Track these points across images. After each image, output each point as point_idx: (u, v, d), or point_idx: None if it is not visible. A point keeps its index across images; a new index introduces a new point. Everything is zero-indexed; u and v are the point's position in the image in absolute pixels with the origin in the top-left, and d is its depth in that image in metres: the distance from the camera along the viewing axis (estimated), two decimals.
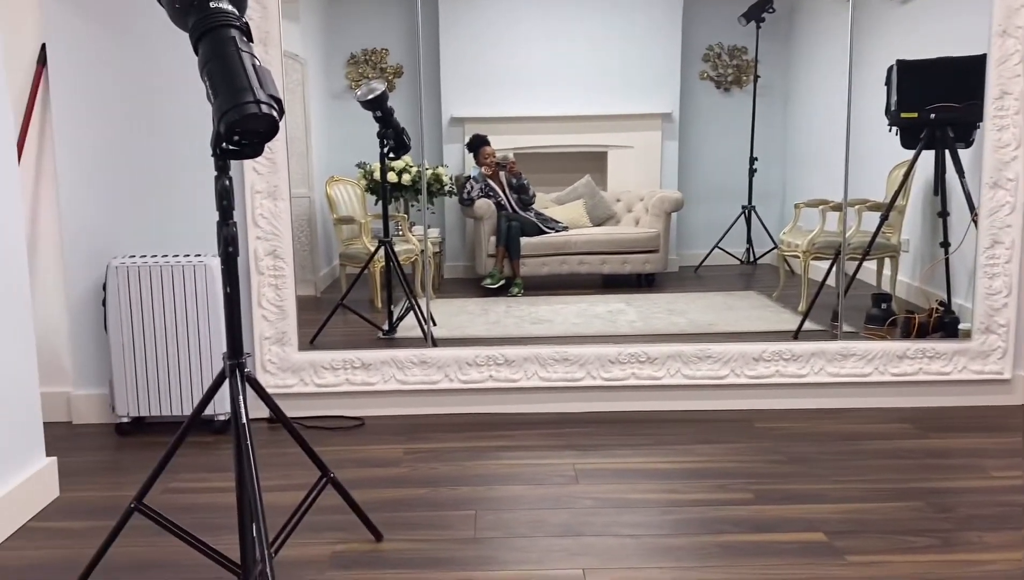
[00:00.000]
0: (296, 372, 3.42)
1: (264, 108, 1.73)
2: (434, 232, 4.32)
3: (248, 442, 1.89)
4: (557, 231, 4.42)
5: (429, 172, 4.19)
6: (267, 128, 1.78)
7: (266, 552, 1.81)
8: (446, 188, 4.33)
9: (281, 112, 1.78)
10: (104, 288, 3.23)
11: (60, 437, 3.27)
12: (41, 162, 3.37)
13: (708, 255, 4.58)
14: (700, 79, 4.49)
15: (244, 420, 1.91)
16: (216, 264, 3.22)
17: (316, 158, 4.19)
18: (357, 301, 4.12)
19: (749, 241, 4.57)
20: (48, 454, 2.73)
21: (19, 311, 2.55)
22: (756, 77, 4.44)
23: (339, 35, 4.28)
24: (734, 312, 4.26)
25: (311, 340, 3.63)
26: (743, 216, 4.55)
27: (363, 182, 4.21)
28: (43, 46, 3.26)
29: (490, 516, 2.49)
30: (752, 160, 4.51)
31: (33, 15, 3.26)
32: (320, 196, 4.16)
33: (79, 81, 3.26)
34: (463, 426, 3.34)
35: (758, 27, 4.38)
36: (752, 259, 4.58)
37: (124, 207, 3.34)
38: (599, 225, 4.51)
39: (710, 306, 4.32)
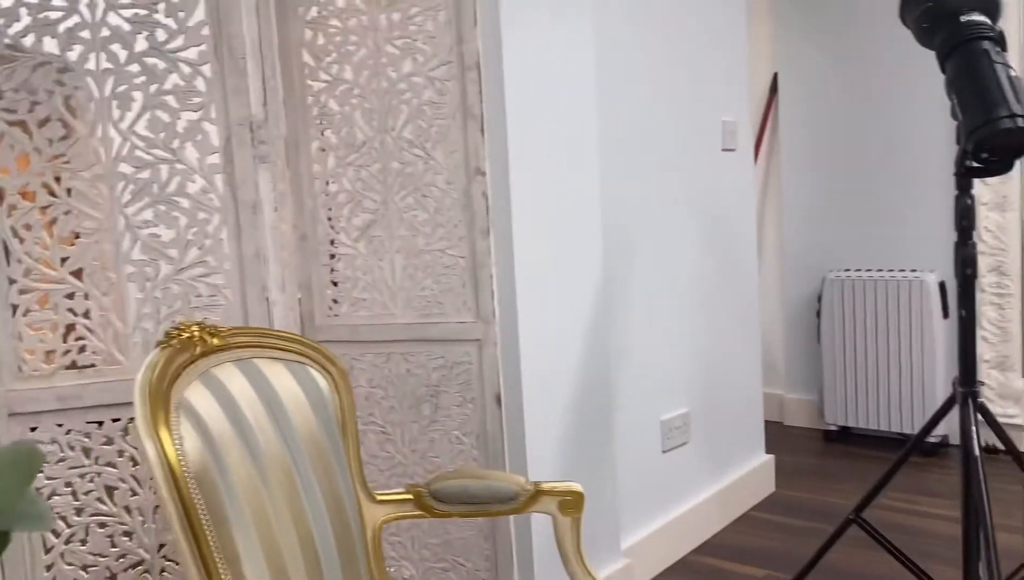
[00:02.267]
0: (1019, 401, 3.08)
1: (1020, 122, 1.59)
2: None
3: (981, 475, 1.77)
4: None
5: None
6: (1020, 143, 1.64)
7: None
8: None
9: None
10: (819, 300, 3.39)
11: (774, 436, 3.55)
12: (768, 182, 3.70)
13: None
14: None
15: (977, 452, 1.80)
16: (932, 280, 3.10)
17: None
18: None
19: None
20: (767, 451, 2.99)
21: (750, 317, 2.84)
22: None
23: None
24: None
25: None
26: None
27: None
28: (775, 75, 3.57)
29: None
30: None
31: (768, 47, 3.60)
32: None
33: (806, 107, 3.48)
34: None
35: None
36: None
37: (841, 222, 3.45)
38: None
39: None
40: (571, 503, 1.30)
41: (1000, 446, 1.94)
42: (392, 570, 2.00)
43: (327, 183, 1.92)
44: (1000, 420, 3.10)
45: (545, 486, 1.31)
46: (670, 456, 2.48)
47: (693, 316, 2.57)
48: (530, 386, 1.90)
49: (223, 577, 0.97)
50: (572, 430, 2.03)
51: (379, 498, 1.34)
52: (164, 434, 0.96)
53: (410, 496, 1.35)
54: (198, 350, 1.09)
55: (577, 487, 1.30)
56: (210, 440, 1.03)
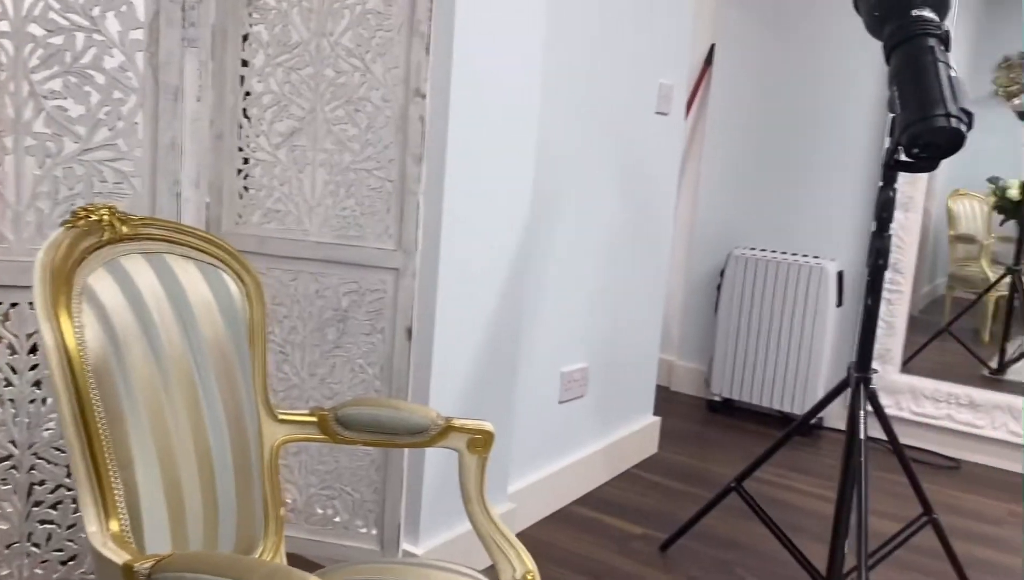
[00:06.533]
0: (893, 394, 3.26)
1: (954, 122, 1.64)
2: None
3: (864, 459, 1.85)
4: None
5: None
6: (950, 143, 1.69)
7: (864, 575, 1.77)
8: None
9: (970, 127, 1.67)
10: (722, 273, 3.47)
11: (661, 400, 3.63)
12: (689, 153, 3.73)
13: None
14: None
15: (862, 436, 1.88)
16: (832, 268, 3.21)
17: (944, 168, 3.87)
18: (960, 329, 3.73)
19: None
20: (654, 413, 3.05)
21: (656, 282, 2.87)
22: None
23: (994, 35, 3.86)
24: None
25: (904, 361, 3.41)
26: None
27: (992, 199, 3.76)
28: (712, 47, 3.58)
29: None
30: None
31: (709, 18, 3.60)
32: (940, 209, 3.84)
33: (738, 83, 3.51)
34: None
35: None
36: None
37: (754, 201, 3.52)
38: None
39: None
40: (480, 442, 1.27)
41: (878, 434, 2.03)
42: None
43: (253, 81, 1.79)
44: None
45: (457, 422, 1.27)
46: (566, 407, 2.50)
47: (604, 274, 2.57)
48: (443, 323, 1.86)
49: (113, 480, 0.89)
50: (478, 371, 2.00)
51: (281, 417, 1.28)
52: (64, 319, 0.87)
53: (314, 419, 1.29)
54: (106, 236, 0.99)
55: (488, 426, 1.27)
56: (112, 333, 0.94)
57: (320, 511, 1.93)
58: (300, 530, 1.94)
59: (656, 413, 3.07)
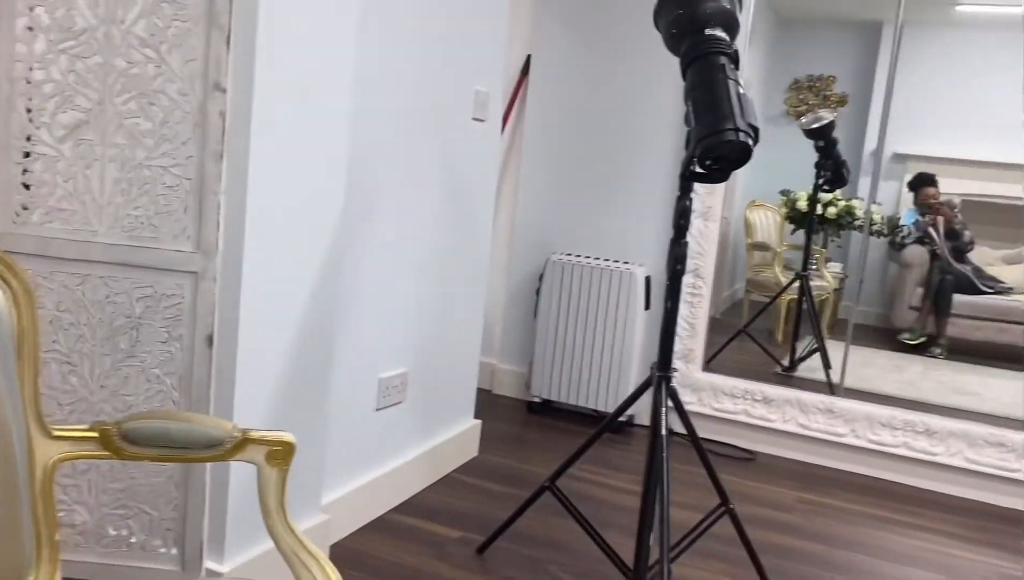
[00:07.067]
0: (696, 391, 3.45)
1: (742, 136, 1.75)
2: (837, 266, 4.04)
3: (666, 454, 1.94)
4: (998, 292, 3.88)
5: (841, 204, 3.93)
6: (739, 156, 1.80)
7: (666, 566, 1.85)
8: (874, 226, 4.04)
9: (756, 141, 1.79)
10: (541, 278, 3.55)
11: (483, 403, 3.67)
12: (509, 160, 3.79)
13: None
14: None
15: (664, 431, 1.97)
16: (640, 273, 3.36)
17: (740, 180, 4.16)
18: (756, 330, 4.02)
19: None
20: (475, 417, 3.07)
21: (477, 286, 2.89)
22: None
23: (785, 59, 4.19)
24: None
25: (707, 361, 3.63)
26: None
27: (783, 210, 4.08)
28: (528, 57, 3.66)
29: None
30: None
31: (526, 29, 3.68)
32: (738, 219, 4.12)
33: (553, 94, 3.61)
34: (865, 489, 3.10)
35: None
36: None
37: (570, 208, 3.63)
38: None
39: None
40: (280, 453, 1.22)
41: (680, 430, 2.14)
42: (62, 515, 1.78)
43: (30, 68, 1.64)
44: None
45: (254, 434, 1.21)
46: (383, 414, 2.46)
47: (425, 278, 2.56)
48: (247, 330, 1.78)
49: None
50: (287, 380, 1.93)
51: (56, 434, 1.17)
52: None
53: (95, 434, 1.19)
54: None
55: (288, 437, 1.22)
56: None
57: (113, 532, 1.80)
58: (90, 554, 1.80)
59: (477, 416, 3.09)
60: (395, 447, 2.55)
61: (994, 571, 2.50)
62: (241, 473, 1.84)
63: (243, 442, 1.21)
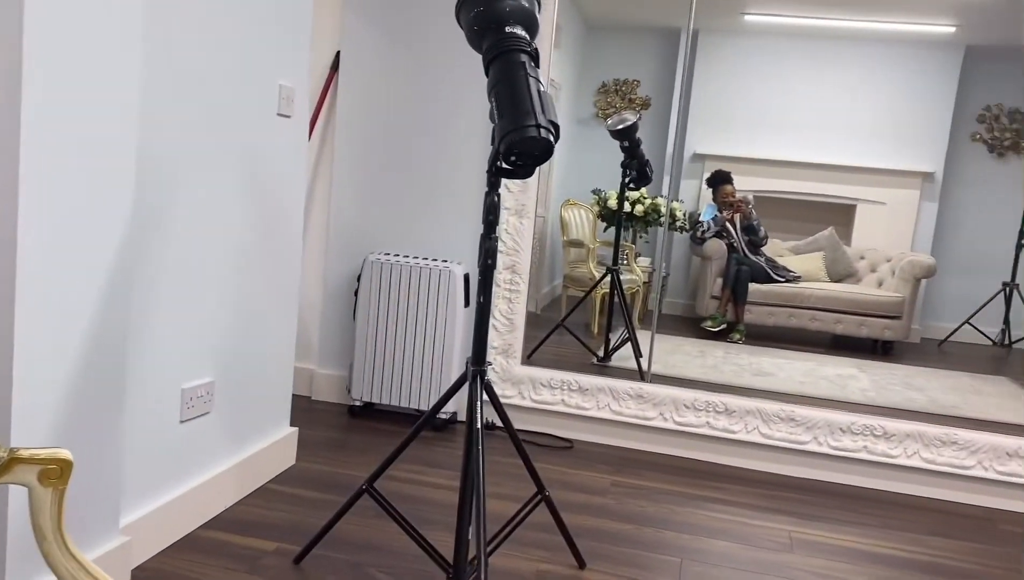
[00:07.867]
0: (516, 384, 3.52)
1: (543, 132, 1.79)
2: (645, 261, 4.27)
3: (480, 447, 1.95)
4: (788, 281, 4.23)
5: (648, 202, 4.15)
6: (542, 151, 1.84)
7: (484, 559, 1.86)
8: (677, 222, 4.28)
9: (557, 137, 1.84)
10: (358, 279, 3.49)
11: (301, 410, 3.56)
12: (320, 160, 3.70)
13: (956, 330, 4.19)
14: (971, 140, 4.14)
15: (479, 425, 1.98)
16: (459, 271, 3.38)
17: (555, 180, 4.29)
18: (574, 324, 4.16)
19: (1006, 322, 4.13)
20: (292, 424, 2.97)
21: (289, 290, 2.80)
22: None
23: (593, 64, 4.36)
24: (981, 397, 3.87)
25: (528, 355, 3.72)
26: (1003, 294, 4.13)
27: (596, 208, 4.25)
28: (337, 53, 3.59)
29: (696, 568, 2.42)
30: (1022, 234, 4.09)
31: (333, 24, 3.60)
32: (554, 217, 4.25)
33: (364, 90, 3.56)
34: (673, 469, 3.28)
35: None
36: (1007, 342, 4.14)
37: (386, 207, 3.59)
38: (837, 281, 4.27)
39: (955, 386, 3.95)
40: (56, 472, 1.12)
41: (499, 423, 2.17)
42: None
43: None
44: (501, 399, 3.52)
45: (24, 453, 1.11)
46: (189, 426, 2.33)
47: (231, 283, 2.45)
48: (25, 343, 1.62)
49: None
50: (75, 394, 1.78)
51: None
52: None
53: None
54: None
55: (64, 454, 1.13)
56: None
57: None
58: None
59: (294, 423, 2.99)
60: (203, 460, 2.42)
61: (787, 535, 2.71)
62: (21, 497, 1.68)
63: (10, 462, 1.10)
